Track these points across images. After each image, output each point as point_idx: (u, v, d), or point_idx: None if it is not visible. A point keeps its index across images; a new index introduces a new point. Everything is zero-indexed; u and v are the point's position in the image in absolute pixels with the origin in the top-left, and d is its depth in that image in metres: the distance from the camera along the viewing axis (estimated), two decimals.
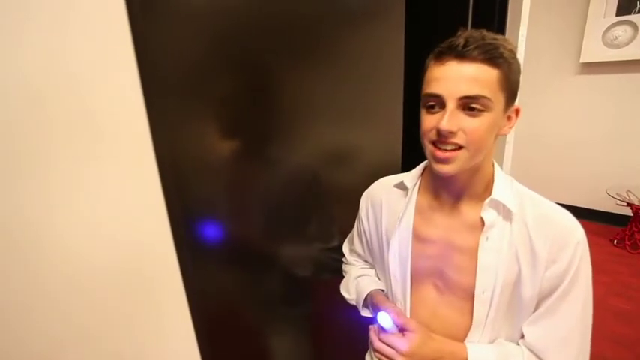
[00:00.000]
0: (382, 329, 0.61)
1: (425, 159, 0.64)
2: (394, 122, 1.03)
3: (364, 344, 0.85)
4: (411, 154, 1.08)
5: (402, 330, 0.60)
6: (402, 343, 0.57)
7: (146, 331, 0.55)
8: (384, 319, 0.60)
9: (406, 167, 0.81)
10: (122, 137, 0.47)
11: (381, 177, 0.79)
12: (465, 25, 1.25)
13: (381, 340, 0.60)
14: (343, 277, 0.88)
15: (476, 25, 1.26)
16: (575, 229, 0.55)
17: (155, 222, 0.53)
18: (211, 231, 0.63)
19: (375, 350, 0.61)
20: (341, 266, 0.91)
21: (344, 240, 0.91)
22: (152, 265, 0.54)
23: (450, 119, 0.50)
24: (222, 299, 0.69)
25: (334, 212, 0.93)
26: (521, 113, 0.57)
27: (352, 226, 0.88)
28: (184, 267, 0.56)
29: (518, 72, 0.54)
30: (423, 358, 0.57)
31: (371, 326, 0.65)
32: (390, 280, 0.70)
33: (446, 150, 0.53)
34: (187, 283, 0.57)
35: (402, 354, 0.56)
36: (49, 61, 0.40)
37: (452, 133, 0.51)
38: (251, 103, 0.66)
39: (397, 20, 0.94)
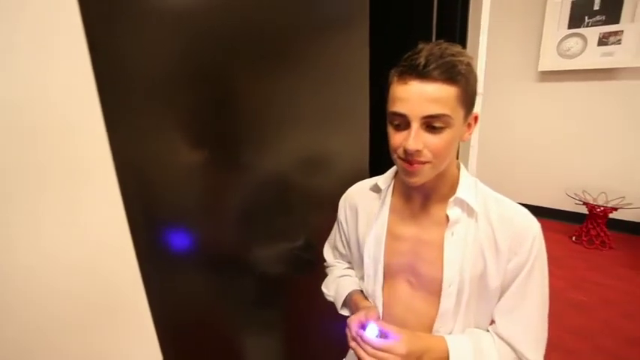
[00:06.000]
0: (364, 336, 0.61)
1: (392, 164, 0.66)
2: (361, 129, 1.06)
3: (336, 348, 0.86)
4: (377, 160, 1.11)
5: (384, 336, 0.62)
6: (399, 346, 0.58)
7: (108, 343, 0.53)
8: (373, 330, 0.62)
9: (373, 172, 0.84)
10: (81, 155, 0.46)
11: (350, 182, 0.81)
12: (430, 35, 1.31)
13: (375, 348, 0.60)
14: (312, 279, 0.89)
15: (439, 34, 1.32)
16: (532, 226, 0.61)
17: (116, 234, 0.51)
18: (174, 240, 0.63)
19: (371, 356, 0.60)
20: (310, 268, 0.92)
21: (312, 243, 0.92)
22: (113, 276, 0.52)
23: (415, 138, 0.55)
24: (185, 307, 0.68)
25: (301, 216, 0.94)
26: (479, 120, 0.63)
27: (321, 229, 0.89)
28: (147, 277, 0.55)
29: (475, 82, 0.58)
30: (415, 355, 0.60)
31: (352, 335, 0.64)
32: (364, 277, 0.73)
33: (412, 164, 0.57)
34: (150, 294, 0.56)
35: (400, 356, 0.58)
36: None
37: (418, 151, 0.55)
38: (217, 110, 0.66)
39: (362, 31, 0.97)
